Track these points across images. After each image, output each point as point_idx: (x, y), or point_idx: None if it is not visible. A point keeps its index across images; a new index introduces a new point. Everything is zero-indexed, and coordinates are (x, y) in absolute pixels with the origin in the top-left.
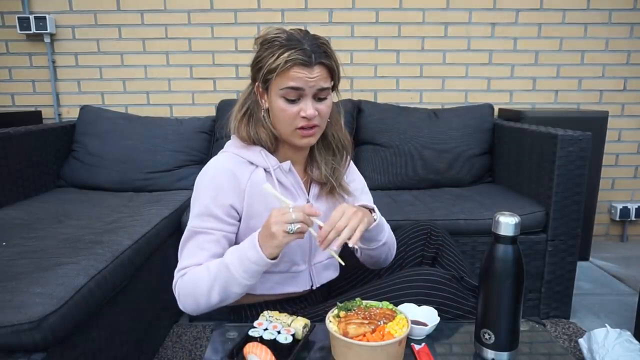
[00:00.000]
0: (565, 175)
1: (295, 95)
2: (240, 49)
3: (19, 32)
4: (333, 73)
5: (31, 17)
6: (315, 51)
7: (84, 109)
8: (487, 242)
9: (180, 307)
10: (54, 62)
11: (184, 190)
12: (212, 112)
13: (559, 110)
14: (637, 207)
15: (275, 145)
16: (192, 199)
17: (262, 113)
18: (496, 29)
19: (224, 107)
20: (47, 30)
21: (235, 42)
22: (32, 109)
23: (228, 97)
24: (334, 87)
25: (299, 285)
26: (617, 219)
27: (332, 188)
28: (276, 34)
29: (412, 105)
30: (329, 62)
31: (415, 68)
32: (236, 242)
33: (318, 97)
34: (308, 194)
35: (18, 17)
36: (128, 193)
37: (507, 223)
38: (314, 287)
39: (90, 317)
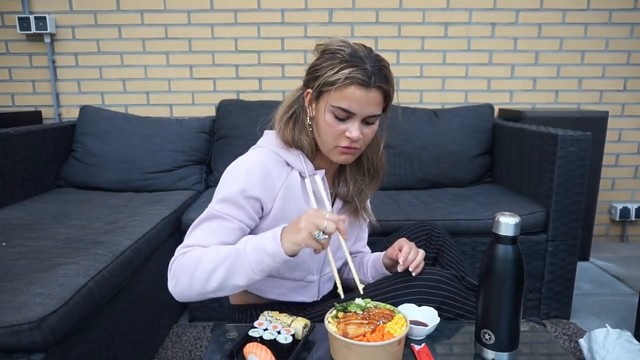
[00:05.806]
0: (565, 176)
1: (345, 115)
2: (240, 49)
3: (19, 32)
4: (388, 98)
5: (31, 17)
6: (376, 73)
7: (84, 109)
8: (487, 242)
9: (170, 286)
10: (54, 62)
11: (184, 190)
12: (212, 112)
13: (559, 110)
14: (637, 207)
15: (314, 152)
16: (219, 186)
17: (308, 120)
18: (496, 29)
19: (224, 107)
20: (47, 30)
21: (235, 42)
22: (32, 109)
23: (228, 97)
24: (384, 110)
25: (309, 295)
26: (617, 219)
27: (355, 209)
28: (340, 46)
29: (412, 105)
30: (387, 87)
31: (415, 68)
32: None
33: (367, 121)
34: (332, 206)
35: (18, 17)
36: (128, 193)
37: (507, 223)
38: (319, 298)
39: (90, 318)
